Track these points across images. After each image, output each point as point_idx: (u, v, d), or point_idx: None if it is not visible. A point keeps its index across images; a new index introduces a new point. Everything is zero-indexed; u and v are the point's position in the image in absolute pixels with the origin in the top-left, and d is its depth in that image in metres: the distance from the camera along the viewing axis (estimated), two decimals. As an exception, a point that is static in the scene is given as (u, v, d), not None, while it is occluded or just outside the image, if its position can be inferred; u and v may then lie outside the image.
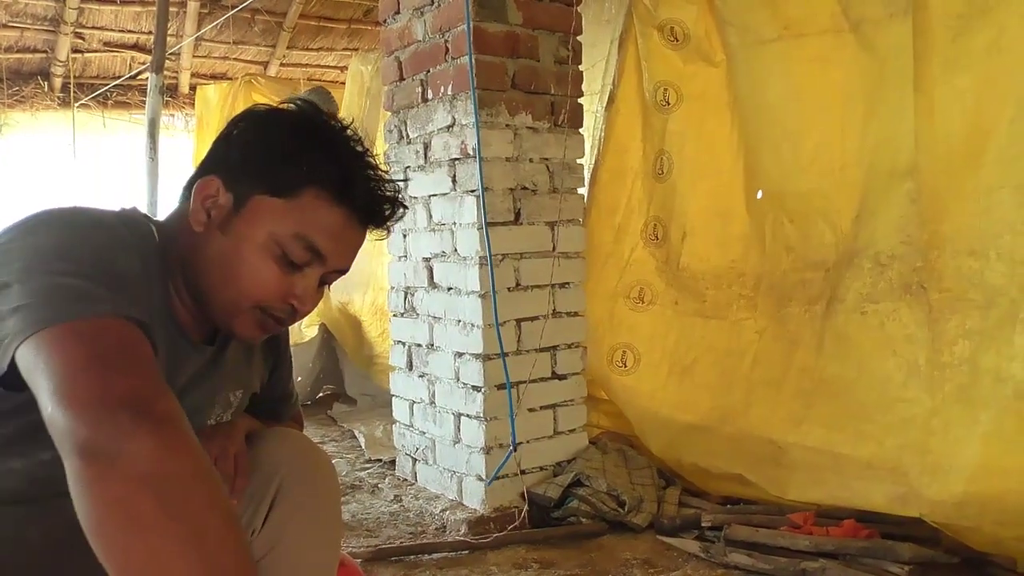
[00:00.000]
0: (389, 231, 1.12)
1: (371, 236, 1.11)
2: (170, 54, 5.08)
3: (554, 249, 2.66)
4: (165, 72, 4.38)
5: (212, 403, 1.16)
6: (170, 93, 5.86)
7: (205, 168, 1.06)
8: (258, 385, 1.26)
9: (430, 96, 2.70)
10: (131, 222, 1.01)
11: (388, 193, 1.07)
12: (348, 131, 1.07)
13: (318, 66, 6.24)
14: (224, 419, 1.19)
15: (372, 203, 1.05)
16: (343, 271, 1.09)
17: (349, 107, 4.28)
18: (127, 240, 0.95)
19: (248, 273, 1.01)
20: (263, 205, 1.01)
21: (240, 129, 1.05)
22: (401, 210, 1.10)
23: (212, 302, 1.04)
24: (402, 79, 2.84)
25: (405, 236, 2.88)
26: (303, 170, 1.00)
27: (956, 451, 2.06)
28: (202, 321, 1.08)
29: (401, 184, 1.12)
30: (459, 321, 2.61)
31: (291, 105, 1.07)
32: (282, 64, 6.03)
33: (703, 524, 2.34)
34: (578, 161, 2.74)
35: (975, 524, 2.01)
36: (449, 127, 2.61)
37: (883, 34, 2.30)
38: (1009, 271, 2.01)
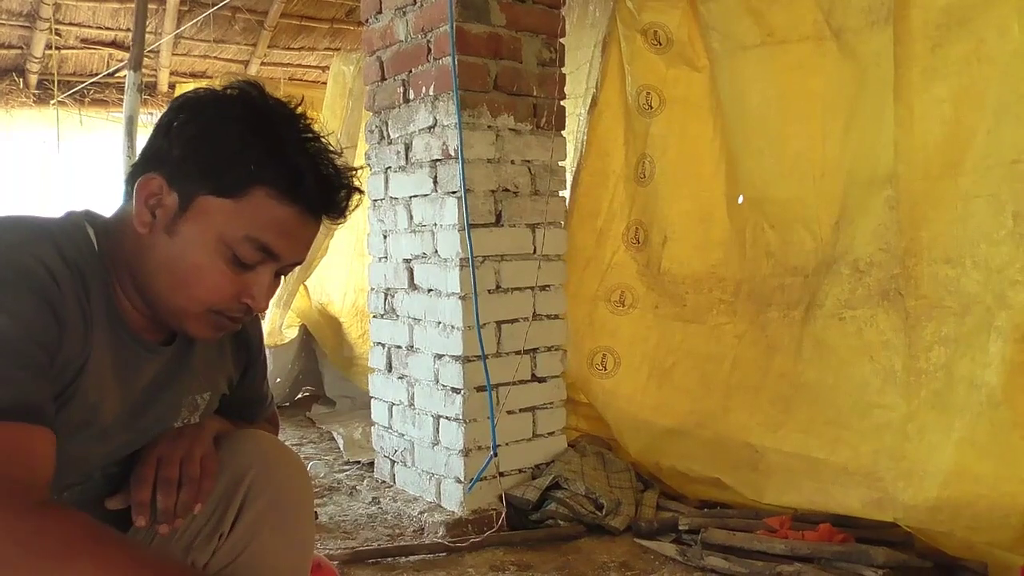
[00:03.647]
0: (346, 219, 1.08)
1: (329, 225, 1.07)
2: (149, 52, 5.03)
3: (535, 252, 2.66)
4: (144, 70, 4.34)
5: (179, 405, 1.14)
6: (148, 91, 5.79)
7: (145, 163, 1.01)
8: (226, 386, 1.24)
9: (412, 97, 2.69)
10: (67, 231, 0.98)
11: (342, 181, 1.03)
12: (296, 117, 1.02)
13: (299, 66, 6.20)
14: (192, 421, 1.16)
15: (324, 195, 1.02)
16: (299, 263, 1.06)
17: (331, 107, 4.26)
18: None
19: (199, 278, 0.98)
20: (210, 206, 0.97)
21: (180, 121, 0.99)
22: (357, 196, 1.06)
23: (163, 306, 1.01)
24: (384, 79, 2.83)
25: (386, 237, 2.87)
26: (250, 169, 0.96)
27: (930, 457, 2.08)
28: (157, 322, 1.05)
29: (358, 168, 1.08)
30: (439, 323, 2.60)
31: (235, 90, 1.01)
32: (263, 63, 5.99)
33: (680, 527, 2.35)
34: (560, 164, 2.74)
35: (948, 529, 2.03)
36: (431, 128, 2.60)
37: (864, 42, 2.33)
38: (984, 279, 2.04)
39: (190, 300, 1.00)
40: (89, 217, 1.04)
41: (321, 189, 1.00)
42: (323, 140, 1.03)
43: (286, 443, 1.29)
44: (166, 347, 1.09)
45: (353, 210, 1.07)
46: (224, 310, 1.02)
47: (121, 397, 1.03)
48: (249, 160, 0.96)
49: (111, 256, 1.01)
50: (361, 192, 1.07)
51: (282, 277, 1.08)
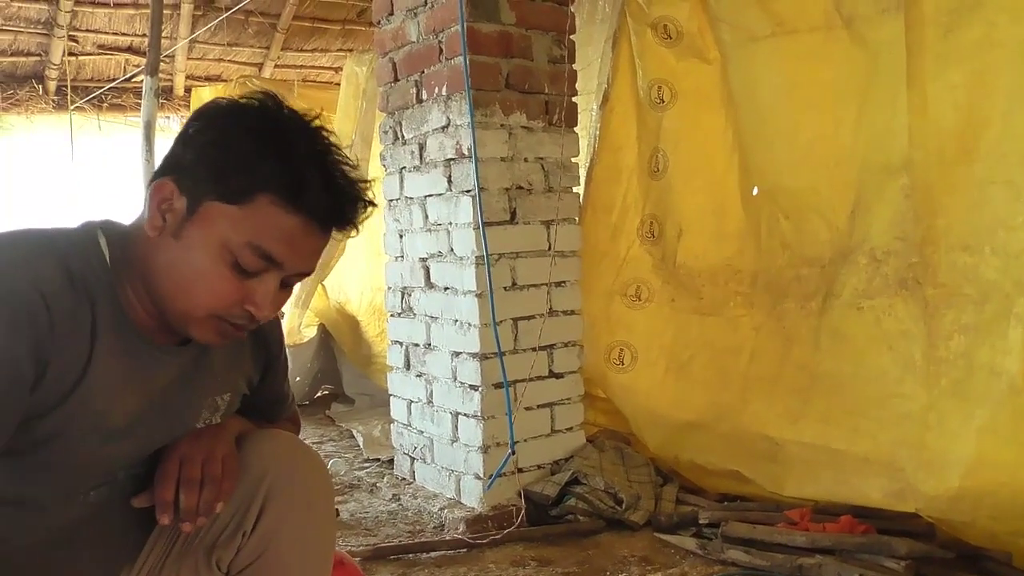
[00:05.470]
0: (358, 230, 1.07)
1: (338, 236, 1.07)
2: (164, 56, 5.08)
3: (550, 248, 2.66)
4: (160, 75, 4.37)
5: (199, 406, 1.15)
6: (165, 95, 5.84)
7: (162, 169, 1.03)
8: (246, 387, 1.25)
9: (425, 97, 2.70)
10: (76, 243, 1.00)
11: (351, 192, 1.03)
12: (310, 128, 1.02)
13: (312, 67, 6.22)
14: (213, 422, 1.18)
15: (331, 206, 1.01)
16: (306, 273, 1.06)
17: (345, 108, 4.28)
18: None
19: (201, 282, 0.99)
20: (215, 211, 0.98)
21: (196, 128, 1.01)
22: (368, 208, 1.06)
23: (168, 309, 1.02)
24: (397, 80, 2.85)
25: (402, 236, 2.88)
26: (255, 176, 0.96)
27: (951, 446, 2.06)
28: (169, 326, 1.06)
29: (370, 180, 1.07)
30: (456, 321, 2.61)
31: (253, 100, 1.02)
32: (276, 66, 6.02)
33: (700, 521, 2.35)
34: (573, 160, 2.74)
35: (970, 519, 2.02)
36: (444, 127, 2.61)
37: (875, 30, 2.31)
38: (1003, 266, 2.02)
39: (193, 304, 1.00)
40: (105, 226, 1.05)
41: (328, 199, 1.00)
42: (337, 151, 1.03)
43: (306, 441, 1.30)
44: (181, 348, 1.10)
45: (363, 222, 1.06)
46: (227, 316, 1.02)
47: (137, 400, 1.04)
48: (255, 167, 0.97)
49: (126, 262, 1.02)
50: (373, 204, 1.06)
51: (293, 287, 1.08)
